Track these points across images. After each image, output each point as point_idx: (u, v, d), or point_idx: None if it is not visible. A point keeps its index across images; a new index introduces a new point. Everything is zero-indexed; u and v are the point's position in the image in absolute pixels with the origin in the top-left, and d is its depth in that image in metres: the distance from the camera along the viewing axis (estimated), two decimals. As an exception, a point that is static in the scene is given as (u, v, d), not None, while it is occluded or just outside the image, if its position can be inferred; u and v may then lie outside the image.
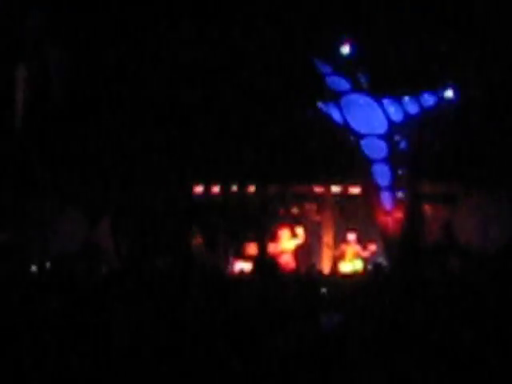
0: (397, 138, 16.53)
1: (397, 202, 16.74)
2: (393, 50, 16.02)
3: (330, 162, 16.84)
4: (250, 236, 18.25)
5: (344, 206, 18.35)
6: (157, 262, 16.71)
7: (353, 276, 16.31)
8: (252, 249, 17.99)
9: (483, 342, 8.62)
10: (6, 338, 9.03)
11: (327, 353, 8.12)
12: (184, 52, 16.58)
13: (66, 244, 17.15)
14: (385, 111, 16.43)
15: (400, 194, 16.75)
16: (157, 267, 16.21)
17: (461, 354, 8.19)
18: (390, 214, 16.76)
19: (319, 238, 18.36)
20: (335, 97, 16.47)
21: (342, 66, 16.24)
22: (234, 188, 18.45)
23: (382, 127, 16.48)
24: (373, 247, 17.42)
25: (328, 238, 18.27)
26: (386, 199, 16.74)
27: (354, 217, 18.01)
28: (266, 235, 18.10)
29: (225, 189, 18.42)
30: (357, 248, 17.55)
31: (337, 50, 16.20)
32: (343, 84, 16.37)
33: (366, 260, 17.27)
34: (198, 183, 18.38)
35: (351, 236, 17.62)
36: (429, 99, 16.24)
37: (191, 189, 18.41)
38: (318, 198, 18.72)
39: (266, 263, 16.84)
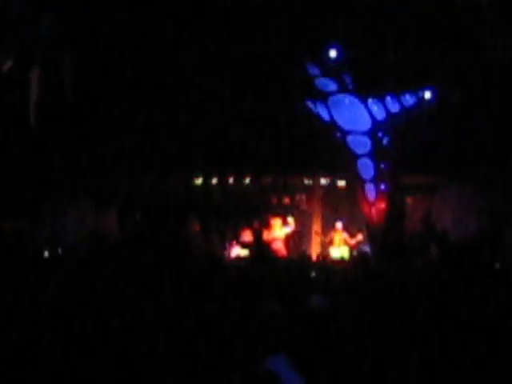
0: (380, 134, 16.47)
1: (380, 194, 16.63)
2: (376, 55, 15.87)
3: (318, 156, 16.99)
4: (245, 224, 18.28)
5: (331, 197, 18.56)
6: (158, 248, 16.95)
7: (339, 262, 16.32)
8: (247, 236, 18.00)
9: (460, 320, 8.88)
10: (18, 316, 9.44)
11: (315, 331, 8.39)
12: (187, 54, 16.49)
13: (76, 232, 17.11)
14: (369, 110, 16.38)
15: (383, 186, 16.63)
16: (159, 252, 16.43)
17: (441, 334, 8.39)
18: (374, 204, 16.67)
19: (308, 227, 18.61)
20: (323, 97, 16.41)
21: (330, 69, 16.17)
22: (231, 180, 18.59)
23: (366, 125, 16.45)
24: (360, 237, 17.49)
25: (316, 226, 18.48)
26: (369, 191, 16.65)
27: (341, 207, 18.19)
28: (260, 223, 18.13)
29: (222, 180, 18.56)
30: (344, 235, 17.67)
31: (325, 54, 16.06)
32: (330, 85, 16.32)
33: (352, 248, 17.35)
34: (197, 175, 18.51)
35: (339, 224, 17.72)
36: (409, 99, 16.21)
37: (191, 180, 18.53)
38: (307, 190, 18.95)
39: (260, 249, 17.08)
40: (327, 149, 16.77)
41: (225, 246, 18.07)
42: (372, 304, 9.86)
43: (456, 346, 7.96)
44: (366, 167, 16.63)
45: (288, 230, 18.13)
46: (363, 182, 16.75)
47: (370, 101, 16.39)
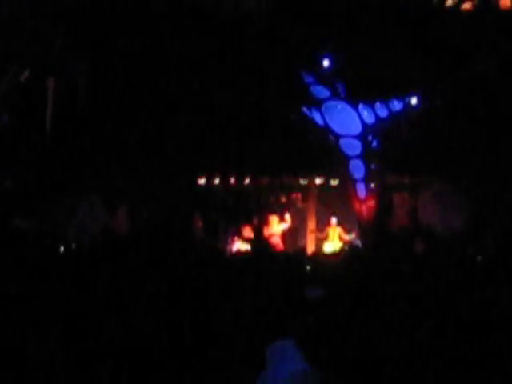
0: (369, 137, 16.45)
1: (370, 192, 16.68)
2: (366, 64, 15.93)
3: (313, 158, 16.91)
4: (245, 221, 18.29)
5: (325, 196, 18.50)
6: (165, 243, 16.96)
7: (333, 256, 16.18)
8: (247, 232, 18.04)
9: (444, 307, 8.99)
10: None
11: (312, 320, 8.52)
12: (192, 64, 16.54)
13: (89, 229, 16.85)
14: (359, 115, 16.33)
15: (372, 185, 16.72)
16: (165, 247, 16.46)
17: (428, 321, 8.59)
18: (364, 201, 16.69)
19: (304, 223, 18.55)
20: (317, 103, 16.40)
21: (323, 78, 16.22)
22: (232, 180, 18.51)
23: (356, 129, 16.41)
24: (353, 234, 17.49)
25: (311, 222, 18.43)
26: (360, 190, 16.66)
27: (334, 205, 18.08)
28: (259, 220, 18.14)
29: (224, 181, 18.46)
30: (338, 230, 17.66)
31: (319, 63, 16.12)
32: (324, 92, 16.31)
33: (346, 243, 17.31)
34: (200, 176, 18.43)
35: (334, 219, 17.71)
36: (396, 105, 16.19)
37: (195, 181, 18.46)
38: (303, 189, 18.87)
39: (259, 244, 17.18)
40: (321, 151, 16.71)
41: (227, 240, 18.04)
42: (361, 293, 10.02)
43: (441, 330, 8.10)
44: (357, 168, 16.61)
45: (285, 226, 18.14)
46: (354, 181, 16.72)
47: (360, 106, 16.32)
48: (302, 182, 18.70)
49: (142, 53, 16.89)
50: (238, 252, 17.28)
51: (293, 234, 18.31)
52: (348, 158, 16.65)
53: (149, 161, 17.23)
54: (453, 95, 16.21)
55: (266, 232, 17.94)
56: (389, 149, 16.53)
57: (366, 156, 16.57)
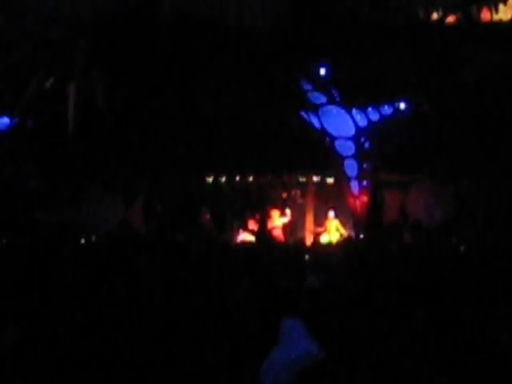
0: (362, 139, 16.41)
1: (362, 189, 16.60)
2: (359, 72, 15.93)
3: (311, 157, 16.86)
4: (249, 215, 18.32)
5: (322, 192, 18.44)
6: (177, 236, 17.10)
7: (328, 246, 16.54)
8: (252, 224, 18.12)
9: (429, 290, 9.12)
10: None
11: (311, 302, 8.53)
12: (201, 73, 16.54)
13: (107, 223, 17.31)
14: (353, 118, 16.30)
15: (365, 183, 16.60)
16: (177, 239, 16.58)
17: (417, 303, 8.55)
18: (358, 197, 16.62)
19: (303, 217, 18.46)
20: (315, 108, 16.38)
21: (320, 85, 16.21)
22: (237, 178, 18.54)
23: (350, 131, 16.37)
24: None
25: (310, 216, 18.33)
26: (354, 187, 16.58)
27: (330, 200, 18.05)
28: (262, 214, 18.17)
29: (230, 178, 18.50)
30: (336, 222, 17.64)
31: (316, 72, 16.12)
32: (321, 98, 16.30)
33: (342, 234, 17.36)
34: (208, 174, 18.45)
35: (331, 213, 17.71)
36: (387, 109, 16.19)
37: (204, 178, 18.47)
38: (302, 186, 18.83)
39: (262, 235, 17.30)
40: (318, 151, 16.65)
41: (233, 232, 18.16)
42: (355, 279, 10.17)
43: (429, 310, 8.24)
44: (350, 167, 16.55)
45: (285, 219, 18.22)
46: (349, 179, 16.64)
47: (353, 111, 16.30)
48: (301, 179, 18.70)
49: (155, 63, 16.86)
50: (243, 242, 17.45)
51: (293, 227, 18.33)
52: (343, 158, 16.58)
53: (162, 161, 17.27)
54: (438, 100, 16.23)
55: (269, 225, 17.98)
56: (380, 149, 16.51)
57: (359, 156, 16.53)
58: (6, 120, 16.68)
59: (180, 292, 9.18)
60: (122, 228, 17.02)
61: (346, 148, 16.52)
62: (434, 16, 17.42)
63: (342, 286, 9.68)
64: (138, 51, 16.79)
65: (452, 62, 16.41)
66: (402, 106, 16.21)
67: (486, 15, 17.40)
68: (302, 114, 16.67)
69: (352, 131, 16.43)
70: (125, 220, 17.25)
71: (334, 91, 16.33)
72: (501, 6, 17.40)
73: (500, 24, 17.06)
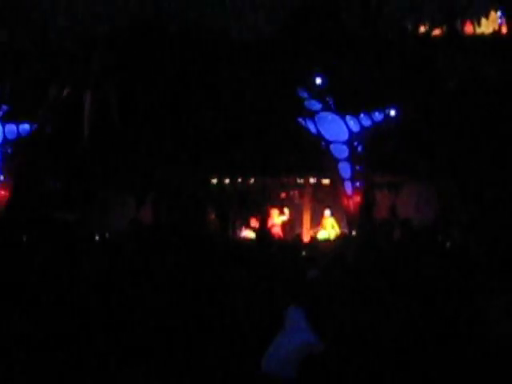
0: (355, 143, 16.41)
1: (355, 190, 16.61)
2: (352, 81, 16.07)
3: (308, 160, 16.94)
4: (251, 213, 18.38)
5: (318, 193, 18.48)
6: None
7: (325, 242, 16.47)
8: (253, 222, 18.18)
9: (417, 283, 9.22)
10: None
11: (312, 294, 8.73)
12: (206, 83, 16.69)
13: (119, 221, 17.12)
14: (346, 124, 16.30)
15: (358, 184, 16.61)
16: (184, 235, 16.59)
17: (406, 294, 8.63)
18: (351, 198, 16.63)
19: (300, 216, 18.54)
20: (311, 115, 16.43)
21: (316, 93, 16.31)
22: (240, 180, 18.55)
23: (344, 136, 16.36)
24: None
25: (307, 215, 18.42)
26: (348, 188, 16.59)
27: (326, 200, 18.08)
28: (263, 213, 18.17)
29: (233, 180, 18.53)
30: (332, 220, 17.72)
31: (313, 81, 16.22)
32: (317, 105, 16.36)
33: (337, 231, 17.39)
34: (213, 176, 18.48)
35: (327, 212, 17.80)
36: (378, 116, 16.19)
37: (209, 180, 18.49)
38: (299, 187, 18.85)
39: (263, 232, 17.38)
40: (315, 155, 16.73)
41: (235, 229, 18.19)
42: (351, 272, 10.26)
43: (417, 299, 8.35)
44: (344, 169, 16.53)
45: (284, 218, 18.29)
46: (343, 180, 16.65)
47: (347, 117, 16.30)
48: (299, 180, 18.71)
49: (163, 73, 17.05)
50: (246, 238, 17.53)
51: (291, 225, 18.36)
52: (337, 161, 16.60)
53: (171, 165, 17.32)
54: (426, 107, 16.31)
55: (269, 223, 18.03)
56: (371, 153, 16.56)
57: (352, 159, 16.54)
58: (26, 126, 16.75)
59: (188, 283, 9.29)
60: (133, 226, 16.91)
61: (341, 151, 16.54)
62: (422, 29, 17.68)
63: (337, 278, 9.76)
64: (148, 63, 16.98)
65: (438, 72, 16.57)
66: (392, 112, 16.23)
67: (469, 28, 17.65)
68: (300, 120, 16.65)
69: (346, 136, 16.44)
70: (136, 218, 16.94)
71: (329, 99, 16.39)
72: (483, 20, 17.65)
73: (482, 37, 17.26)
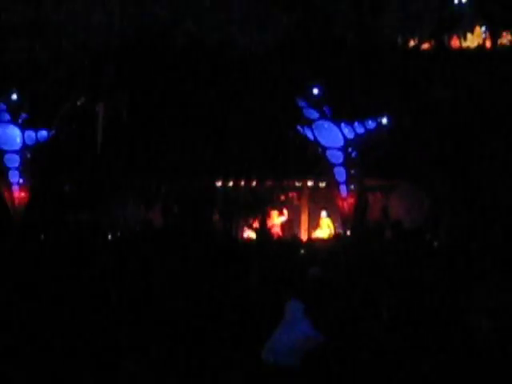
0: (350, 149, 16.37)
1: (350, 192, 16.59)
2: (347, 92, 16.17)
3: (306, 165, 16.94)
4: (252, 214, 18.28)
5: (315, 195, 18.47)
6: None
7: (322, 240, 16.62)
8: (255, 223, 18.15)
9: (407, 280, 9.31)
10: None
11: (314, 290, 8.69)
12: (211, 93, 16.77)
13: (130, 221, 17.39)
14: (342, 132, 16.25)
15: (352, 187, 16.60)
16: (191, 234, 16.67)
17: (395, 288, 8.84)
18: (346, 200, 16.61)
19: (298, 217, 18.53)
20: (309, 122, 16.39)
21: (314, 102, 16.27)
22: (242, 183, 18.43)
23: (340, 142, 16.33)
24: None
25: (304, 216, 18.41)
26: (343, 190, 16.57)
27: (322, 202, 18.05)
28: (263, 214, 18.14)
29: (236, 183, 18.44)
30: (328, 221, 17.74)
31: (310, 91, 16.19)
32: (314, 114, 16.31)
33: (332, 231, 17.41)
34: (218, 179, 18.43)
35: (324, 213, 17.81)
36: (371, 124, 16.16)
37: (214, 183, 18.46)
38: (298, 189, 18.84)
39: (263, 232, 17.49)
40: (312, 160, 16.73)
41: (238, 230, 18.12)
42: (348, 269, 10.37)
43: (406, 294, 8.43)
44: (340, 173, 16.58)
45: (283, 219, 18.29)
46: (338, 184, 16.65)
47: (342, 125, 16.28)
48: (297, 184, 18.72)
49: (171, 83, 17.11)
50: (248, 238, 17.62)
51: (290, 225, 18.38)
52: (333, 166, 16.58)
53: (178, 169, 17.35)
54: (416, 116, 16.37)
55: (269, 223, 18.06)
56: (365, 158, 16.54)
57: (347, 164, 16.54)
58: (44, 133, 16.84)
59: (196, 278, 9.38)
60: (144, 226, 17.00)
61: (336, 157, 16.53)
62: (411, 43, 17.78)
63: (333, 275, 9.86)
64: (156, 74, 17.08)
65: (427, 83, 16.60)
66: (384, 120, 16.22)
67: (455, 43, 17.76)
68: (298, 127, 16.63)
69: (341, 142, 16.41)
70: (147, 219, 17.23)
71: (325, 108, 16.35)
72: (468, 35, 17.77)
73: (468, 50, 17.34)
